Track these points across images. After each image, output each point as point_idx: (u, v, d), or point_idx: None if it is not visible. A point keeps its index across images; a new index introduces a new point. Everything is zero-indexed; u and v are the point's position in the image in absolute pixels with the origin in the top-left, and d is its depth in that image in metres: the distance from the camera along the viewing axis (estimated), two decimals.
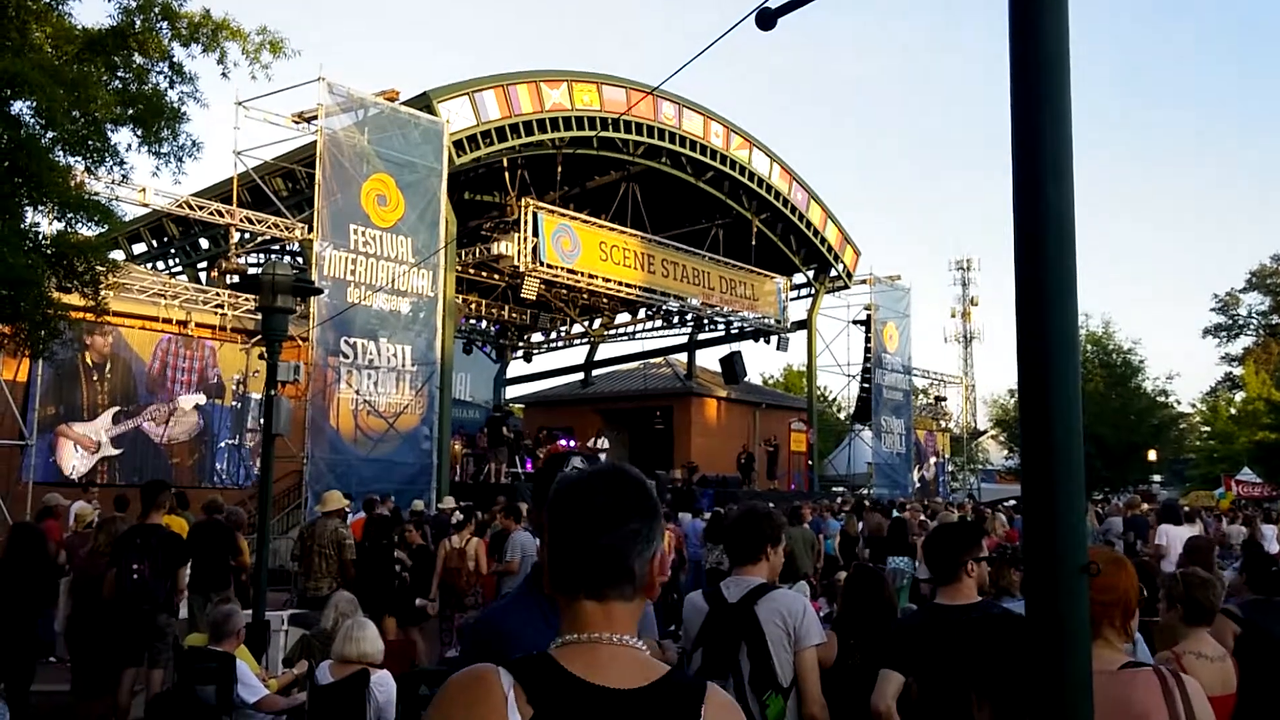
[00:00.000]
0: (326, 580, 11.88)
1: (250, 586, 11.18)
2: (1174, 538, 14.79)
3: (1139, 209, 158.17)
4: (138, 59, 13.54)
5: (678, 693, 1.91)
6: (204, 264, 27.76)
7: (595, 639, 1.90)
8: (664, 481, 30.94)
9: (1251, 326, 64.49)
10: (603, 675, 1.86)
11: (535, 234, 26.75)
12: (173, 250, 28.31)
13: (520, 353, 44.30)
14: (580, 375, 44.80)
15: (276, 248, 26.93)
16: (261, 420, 13.26)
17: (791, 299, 37.37)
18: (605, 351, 45.06)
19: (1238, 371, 59.42)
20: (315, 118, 20.86)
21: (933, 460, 45.27)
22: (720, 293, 33.39)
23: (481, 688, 1.82)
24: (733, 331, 38.15)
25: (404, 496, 19.28)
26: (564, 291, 32.57)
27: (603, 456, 30.42)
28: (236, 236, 22.83)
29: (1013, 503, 27.23)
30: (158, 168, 13.84)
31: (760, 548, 4.86)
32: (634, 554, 1.95)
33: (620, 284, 29.82)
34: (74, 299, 14.18)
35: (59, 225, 13.51)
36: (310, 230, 20.84)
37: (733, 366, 38.14)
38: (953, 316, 65.26)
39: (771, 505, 5.70)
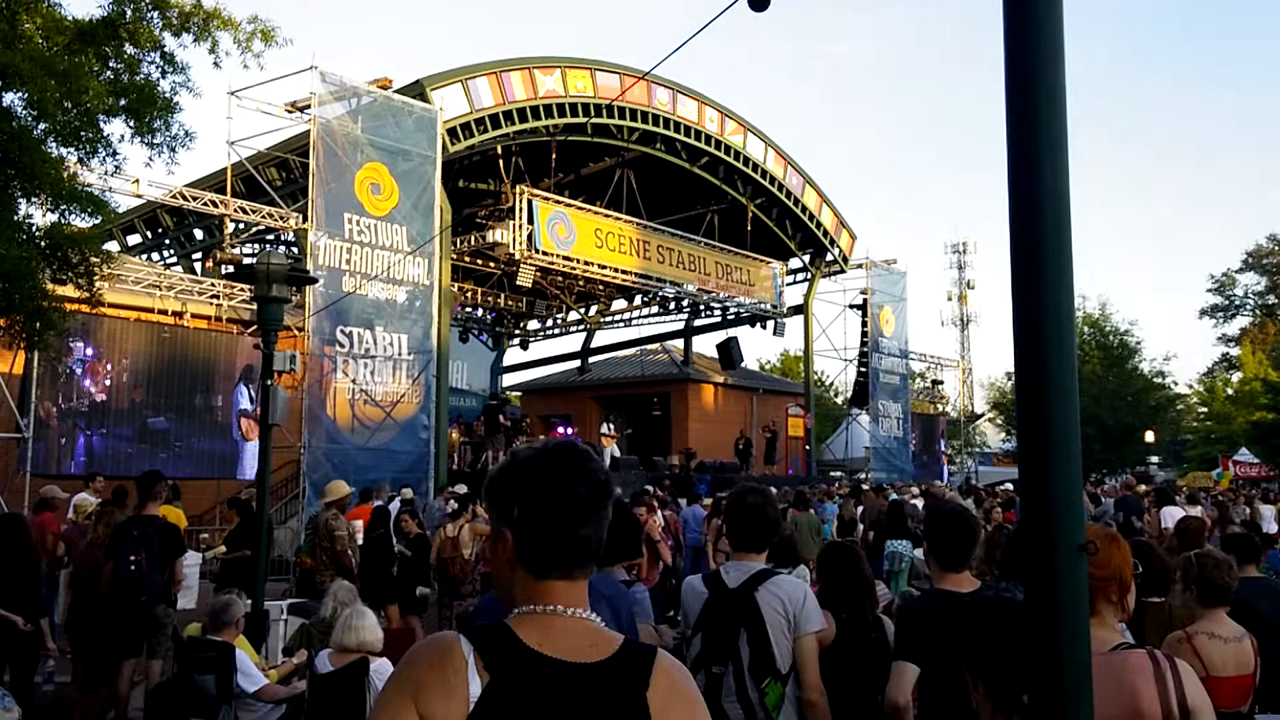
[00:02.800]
0: (329, 572, 11.91)
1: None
2: (1176, 518, 14.84)
3: (1136, 190, 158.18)
4: (129, 49, 13.50)
5: (628, 664, 2.02)
6: (199, 255, 27.75)
7: (550, 611, 2.02)
8: (661, 468, 30.99)
9: (1248, 307, 64.57)
10: (556, 647, 1.97)
11: (530, 221, 26.76)
12: (167, 241, 28.30)
13: (517, 340, 44.38)
14: (577, 362, 44.80)
15: (271, 238, 26.88)
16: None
17: (788, 284, 37.36)
18: (602, 338, 45.14)
19: (1234, 352, 59.44)
20: (308, 107, 20.79)
21: (941, 443, 45.34)
22: (716, 278, 33.38)
23: (445, 651, 1.94)
24: (729, 317, 38.17)
25: (403, 485, 19.26)
26: (560, 278, 32.55)
27: (610, 446, 30.52)
28: (231, 227, 22.80)
29: (1010, 486, 27.29)
30: (151, 158, 13.88)
31: (765, 539, 4.86)
32: (602, 536, 2.10)
33: (616, 270, 29.83)
34: (69, 291, 14.15)
35: (53, 217, 13.48)
36: (305, 220, 20.78)
37: (729, 352, 38.15)
38: (949, 300, 65.14)
39: (773, 489, 5.65)
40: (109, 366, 18.91)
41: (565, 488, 2.06)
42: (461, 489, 18.62)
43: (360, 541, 13.51)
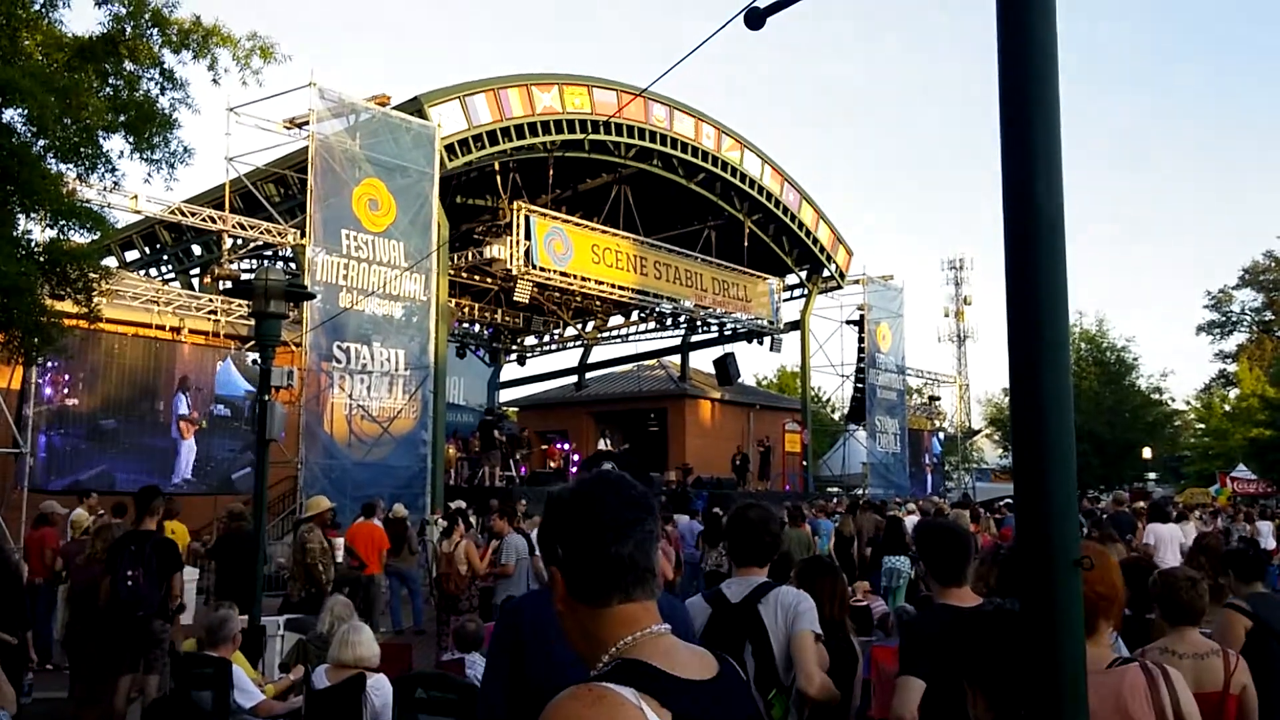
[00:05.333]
0: (296, 585, 12.09)
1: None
2: (1162, 536, 14.84)
3: (1132, 206, 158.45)
4: (128, 66, 13.55)
5: (735, 675, 2.04)
6: (197, 270, 27.73)
7: (650, 633, 1.95)
8: (658, 484, 30.98)
9: (1245, 323, 64.49)
10: (684, 668, 1.92)
11: (527, 237, 26.79)
12: (165, 257, 28.28)
13: (514, 356, 44.34)
14: (574, 378, 44.76)
15: (269, 253, 26.87)
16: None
17: (784, 300, 37.39)
18: (599, 354, 45.14)
19: (1232, 368, 59.48)
20: (306, 123, 20.82)
21: (927, 457, 45.21)
22: (713, 294, 33.41)
23: (613, 707, 1.78)
24: (726, 333, 38.19)
25: (399, 500, 19.23)
26: (557, 294, 32.61)
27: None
28: (229, 242, 22.81)
29: (1007, 501, 27.28)
30: (149, 174, 13.90)
31: (767, 553, 4.87)
32: (650, 556, 2.02)
33: (613, 286, 29.85)
34: (67, 306, 14.16)
35: (51, 232, 13.49)
36: (302, 235, 20.80)
37: (726, 368, 38.17)
38: (946, 316, 65.23)
39: (777, 505, 5.63)
40: (66, 376, 19.00)
41: (596, 509, 2.01)
42: (459, 504, 18.62)
43: (340, 558, 13.59)
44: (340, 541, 14.32)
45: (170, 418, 20.77)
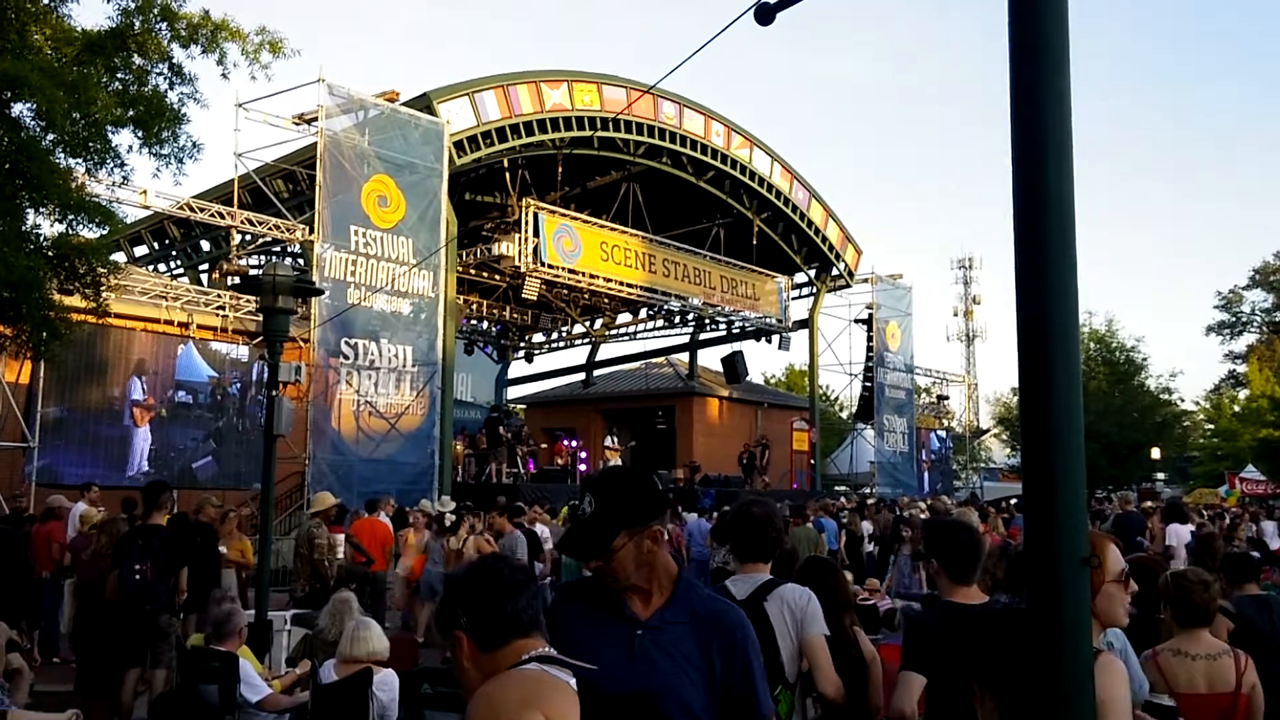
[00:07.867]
0: (300, 580, 12.13)
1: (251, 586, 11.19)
2: (1183, 537, 14.76)
3: (1142, 206, 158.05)
4: (137, 60, 13.56)
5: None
6: (205, 266, 27.76)
7: (545, 650, 2.49)
8: (665, 481, 30.94)
9: (1255, 324, 64.29)
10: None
11: (536, 234, 26.78)
12: (174, 252, 28.32)
13: (522, 353, 44.29)
14: (582, 375, 44.76)
15: (277, 249, 26.94)
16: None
17: (793, 298, 37.39)
18: (607, 351, 45.11)
19: (1241, 369, 59.30)
20: (315, 119, 20.85)
21: (924, 454, 44.98)
22: (721, 292, 33.39)
23: (521, 674, 2.41)
24: (734, 331, 38.14)
25: (407, 497, 19.26)
26: (565, 292, 32.58)
27: (614, 459, 30.53)
28: (237, 238, 22.81)
29: (1015, 500, 27.26)
30: (158, 169, 13.87)
31: (770, 549, 4.86)
32: (536, 608, 2.58)
33: (621, 284, 29.86)
34: (75, 301, 14.17)
35: (60, 227, 13.52)
36: (311, 231, 20.83)
37: (734, 366, 38.14)
38: (955, 315, 65.25)
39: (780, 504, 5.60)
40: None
41: (491, 581, 2.54)
42: (449, 502, 18.64)
43: (340, 554, 13.62)
44: (340, 538, 14.34)
45: (124, 404, 20.62)
